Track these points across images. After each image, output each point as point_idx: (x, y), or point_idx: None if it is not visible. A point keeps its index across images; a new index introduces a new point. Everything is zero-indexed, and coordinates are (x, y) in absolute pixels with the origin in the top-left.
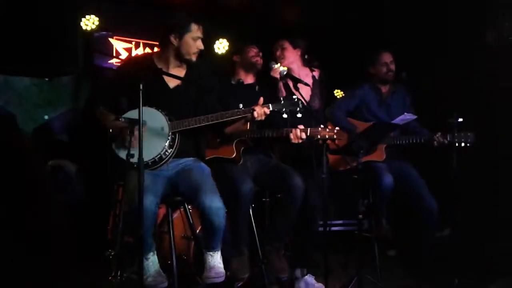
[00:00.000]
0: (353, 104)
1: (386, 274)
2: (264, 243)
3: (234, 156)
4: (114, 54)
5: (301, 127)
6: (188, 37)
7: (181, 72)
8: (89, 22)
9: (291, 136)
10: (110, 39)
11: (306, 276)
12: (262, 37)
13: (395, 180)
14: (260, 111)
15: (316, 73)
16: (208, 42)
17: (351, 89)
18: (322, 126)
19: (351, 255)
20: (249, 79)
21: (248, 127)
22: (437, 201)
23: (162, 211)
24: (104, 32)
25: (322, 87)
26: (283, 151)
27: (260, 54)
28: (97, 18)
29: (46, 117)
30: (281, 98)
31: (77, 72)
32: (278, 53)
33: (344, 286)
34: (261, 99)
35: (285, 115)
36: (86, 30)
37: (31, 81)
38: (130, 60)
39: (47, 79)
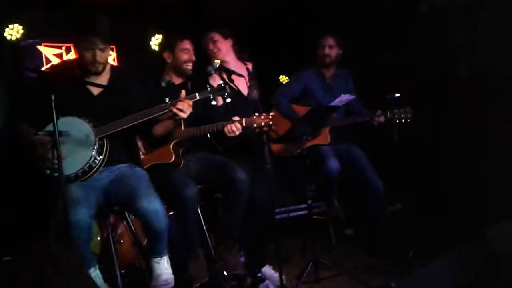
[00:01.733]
0: (297, 89)
1: (343, 254)
2: (217, 241)
3: (174, 160)
4: (45, 62)
5: (236, 118)
6: (82, 51)
7: (104, 77)
8: (13, 32)
9: (226, 130)
10: (39, 47)
11: (264, 268)
12: (198, 29)
13: (342, 163)
14: (184, 103)
15: (249, 66)
16: (145, 39)
17: (295, 75)
18: (256, 114)
19: (308, 239)
20: (180, 80)
21: (182, 128)
22: (389, 176)
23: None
24: (31, 40)
25: (256, 78)
26: (228, 143)
27: (193, 56)
28: (21, 27)
29: None
30: (207, 86)
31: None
32: (210, 46)
33: (300, 272)
34: (183, 91)
35: (213, 102)
36: (11, 40)
37: None
38: (48, 70)
39: None
